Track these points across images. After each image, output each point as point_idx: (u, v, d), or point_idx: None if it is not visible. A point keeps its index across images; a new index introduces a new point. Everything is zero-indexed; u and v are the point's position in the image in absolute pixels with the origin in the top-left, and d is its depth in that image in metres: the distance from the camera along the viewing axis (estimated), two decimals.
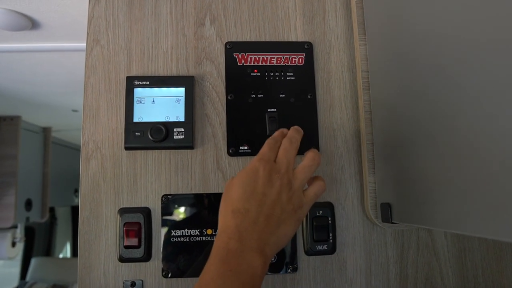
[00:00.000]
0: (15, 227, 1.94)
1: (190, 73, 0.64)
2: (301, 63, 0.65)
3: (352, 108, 0.65)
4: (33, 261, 2.43)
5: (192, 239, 0.59)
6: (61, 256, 3.09)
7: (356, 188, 0.63)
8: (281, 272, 0.59)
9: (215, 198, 0.60)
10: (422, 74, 0.46)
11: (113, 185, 0.60)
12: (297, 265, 0.60)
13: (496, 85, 0.34)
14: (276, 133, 0.51)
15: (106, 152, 0.61)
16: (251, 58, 0.64)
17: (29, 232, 2.60)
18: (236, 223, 0.43)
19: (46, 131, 2.11)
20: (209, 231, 0.59)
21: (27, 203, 1.89)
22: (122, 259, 0.58)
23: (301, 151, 0.51)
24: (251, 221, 0.43)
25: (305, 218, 0.60)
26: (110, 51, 0.64)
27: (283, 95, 0.63)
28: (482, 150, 0.36)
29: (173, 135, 0.60)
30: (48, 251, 2.90)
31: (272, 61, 0.64)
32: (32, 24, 0.90)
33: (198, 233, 0.59)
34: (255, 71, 0.64)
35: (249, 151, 0.61)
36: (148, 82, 0.61)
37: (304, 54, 0.65)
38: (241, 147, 0.62)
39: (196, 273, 0.58)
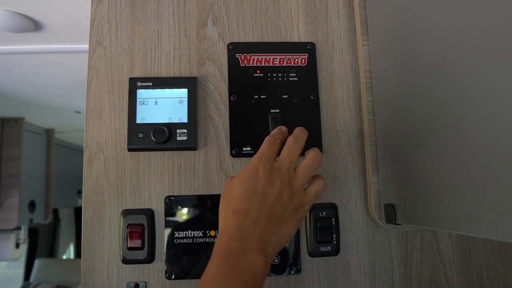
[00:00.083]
0: (18, 228, 1.95)
1: (192, 74, 0.64)
2: (304, 63, 0.65)
3: (355, 109, 0.65)
4: (37, 262, 2.43)
5: (195, 240, 0.59)
6: (64, 257, 3.10)
7: (359, 189, 0.62)
8: (284, 274, 0.59)
9: (218, 200, 0.60)
10: (426, 74, 0.46)
11: (116, 186, 0.60)
12: (300, 267, 0.59)
13: (500, 85, 0.34)
14: (274, 131, 0.51)
15: (109, 154, 0.61)
16: (253, 58, 0.64)
17: (33, 234, 2.61)
18: (237, 223, 0.43)
19: (49, 132, 2.12)
20: (212, 233, 0.59)
21: (30, 205, 1.90)
22: (125, 261, 0.57)
23: (302, 152, 0.51)
24: (252, 221, 0.43)
25: (309, 220, 0.60)
26: (112, 52, 0.64)
27: (286, 96, 0.63)
28: (486, 150, 0.36)
29: (176, 136, 0.60)
30: (52, 252, 2.91)
31: (274, 62, 0.64)
32: (35, 25, 0.91)
33: (201, 235, 0.59)
34: (258, 71, 0.64)
35: (252, 152, 0.61)
36: (150, 84, 0.61)
37: (306, 54, 0.65)
38: (244, 148, 0.61)
39: (200, 275, 0.57)
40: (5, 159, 1.78)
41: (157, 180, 0.61)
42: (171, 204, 0.60)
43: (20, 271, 2.51)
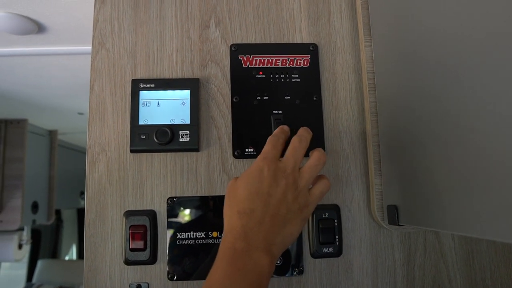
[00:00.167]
0: (21, 229, 1.96)
1: (195, 75, 0.64)
2: (307, 64, 0.65)
3: (357, 110, 0.65)
4: (40, 263, 2.44)
5: (198, 241, 0.59)
6: (67, 258, 3.10)
7: (362, 190, 0.62)
8: (287, 275, 0.59)
9: (220, 201, 0.60)
10: (428, 75, 0.46)
11: (119, 187, 0.60)
12: (303, 268, 0.59)
13: (503, 85, 0.34)
14: (276, 130, 0.51)
15: (112, 155, 0.61)
16: (256, 60, 0.64)
17: (36, 235, 2.62)
18: (242, 224, 0.43)
19: (52, 134, 2.13)
20: (215, 234, 0.59)
21: (33, 206, 1.90)
22: (127, 262, 0.58)
23: (306, 152, 0.51)
24: (256, 221, 0.43)
25: (311, 221, 0.60)
26: (115, 54, 0.64)
27: (289, 97, 0.63)
28: (490, 151, 0.36)
29: (179, 137, 0.60)
30: (54, 253, 2.92)
31: (277, 63, 0.64)
32: (38, 28, 0.91)
33: (204, 236, 0.59)
34: (260, 73, 0.64)
35: (255, 153, 0.61)
36: (153, 85, 0.61)
37: (309, 55, 0.65)
38: (246, 149, 0.61)
39: (202, 276, 0.58)
40: (8, 160, 1.79)
41: (159, 181, 0.61)
42: (174, 205, 0.60)
43: (22, 272, 2.52)
